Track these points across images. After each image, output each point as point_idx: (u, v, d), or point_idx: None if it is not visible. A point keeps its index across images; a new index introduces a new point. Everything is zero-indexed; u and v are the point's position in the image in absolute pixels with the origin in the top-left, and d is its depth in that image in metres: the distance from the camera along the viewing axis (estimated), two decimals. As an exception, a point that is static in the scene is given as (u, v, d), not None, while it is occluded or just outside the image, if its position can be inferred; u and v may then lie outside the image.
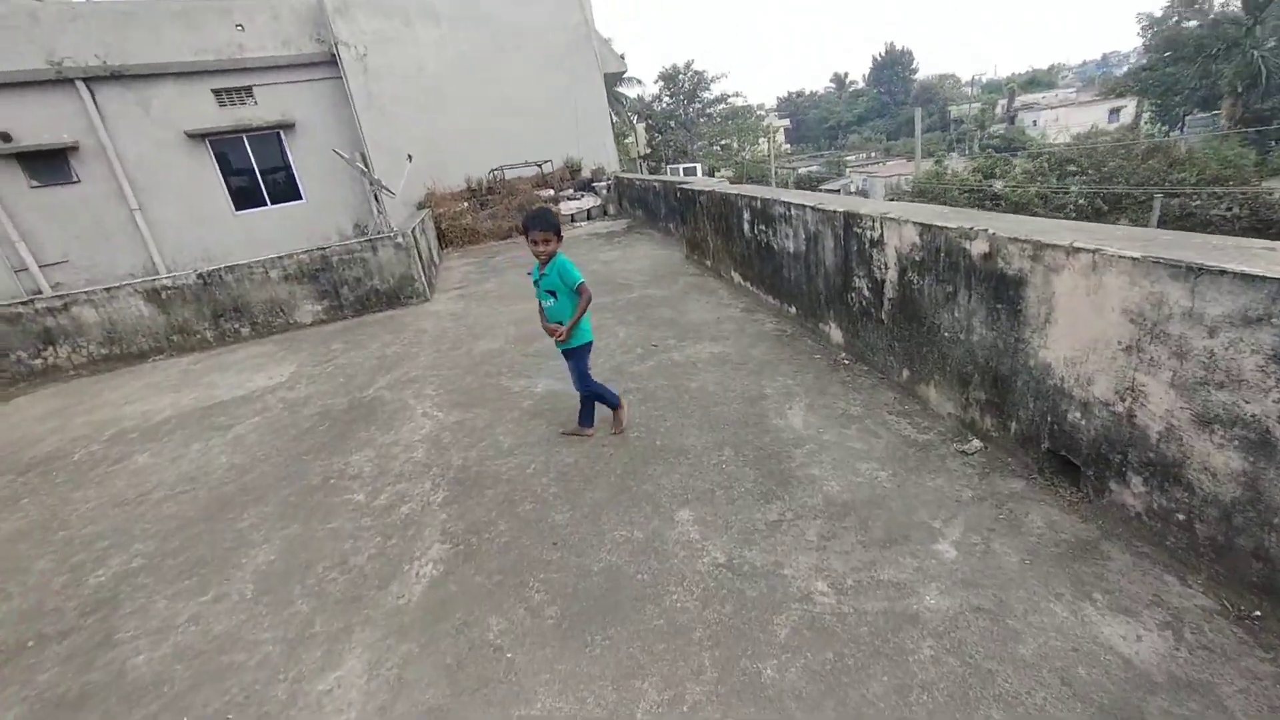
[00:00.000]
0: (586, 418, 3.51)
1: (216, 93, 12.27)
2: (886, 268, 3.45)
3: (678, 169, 17.08)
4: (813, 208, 4.15)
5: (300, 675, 2.08)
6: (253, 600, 2.50)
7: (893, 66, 78.91)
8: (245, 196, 12.87)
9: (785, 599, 2.16)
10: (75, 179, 11.57)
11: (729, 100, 47.28)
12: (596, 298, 6.99)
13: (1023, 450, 2.65)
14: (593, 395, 3.42)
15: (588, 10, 14.48)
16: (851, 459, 2.96)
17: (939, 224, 2.93)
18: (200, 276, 7.01)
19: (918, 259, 3.15)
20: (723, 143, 45.81)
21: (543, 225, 3.00)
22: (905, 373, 3.46)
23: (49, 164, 11.40)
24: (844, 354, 4.08)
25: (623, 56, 17.98)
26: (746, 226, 5.56)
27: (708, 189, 6.72)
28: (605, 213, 14.48)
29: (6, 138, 11.10)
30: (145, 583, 2.74)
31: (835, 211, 3.85)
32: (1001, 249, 2.51)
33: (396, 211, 13.08)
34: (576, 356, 3.27)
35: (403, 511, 2.99)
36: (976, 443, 2.91)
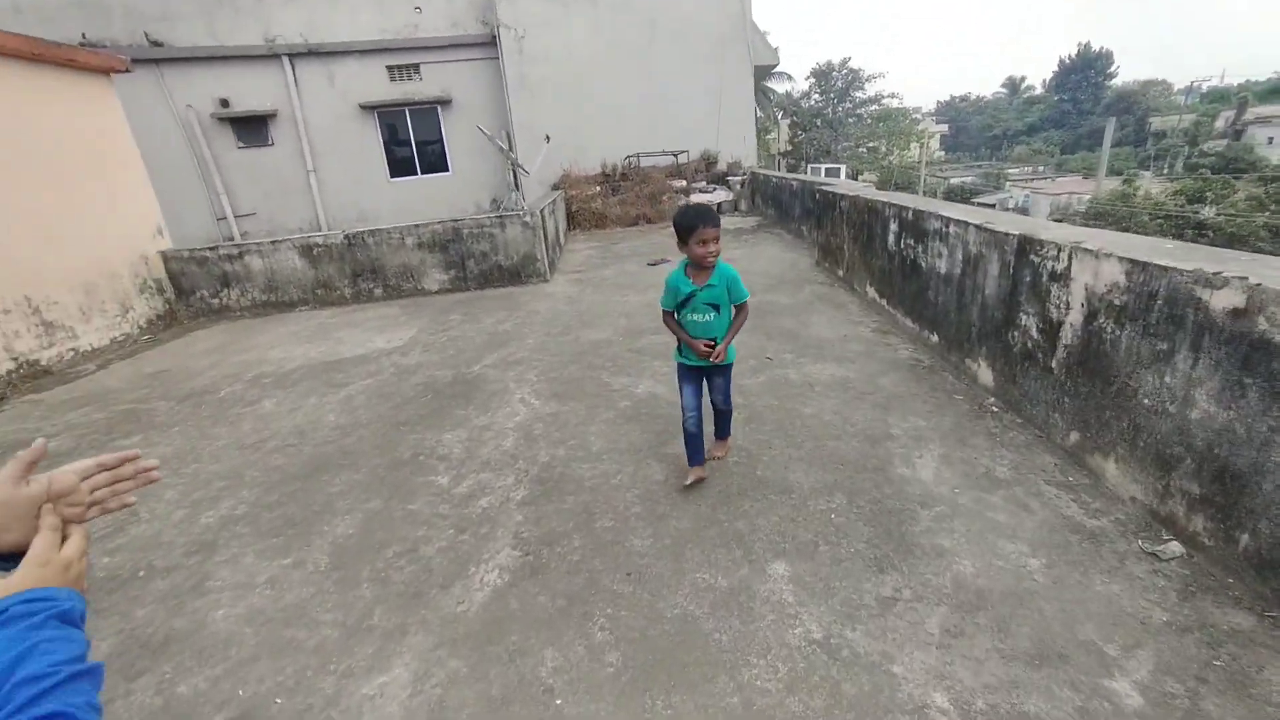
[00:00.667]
0: (699, 453, 2.88)
1: (390, 69, 13.30)
2: (1068, 308, 2.79)
3: (819, 169, 16.13)
4: (978, 226, 3.52)
5: (350, 671, 1.99)
6: (324, 574, 2.48)
7: (1084, 70, 69.83)
8: (400, 165, 13.89)
9: (892, 707, 1.74)
10: (270, 142, 13.09)
11: (883, 101, 44.25)
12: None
13: (1255, 575, 1.98)
14: (731, 413, 3.07)
15: (746, 2, 13.96)
16: (993, 534, 2.41)
17: (1161, 262, 2.27)
18: (346, 238, 7.55)
19: (1118, 303, 2.49)
20: (870, 145, 43.07)
21: (715, 222, 2.49)
22: (1074, 436, 2.80)
23: (253, 128, 12.98)
24: (993, 399, 3.43)
25: (776, 50, 17.20)
26: (891, 239, 4.93)
27: (851, 193, 6.10)
28: (736, 208, 14.00)
29: (225, 103, 12.77)
30: (242, 532, 2.84)
31: (1006, 234, 3.21)
32: (1268, 306, 1.85)
33: (533, 191, 13.51)
34: (728, 373, 2.90)
35: (481, 505, 2.88)
36: (1176, 546, 2.24)
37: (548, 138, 10.06)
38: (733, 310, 2.67)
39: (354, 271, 7.72)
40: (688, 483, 2.81)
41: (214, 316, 7.66)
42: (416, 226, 7.66)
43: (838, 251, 6.54)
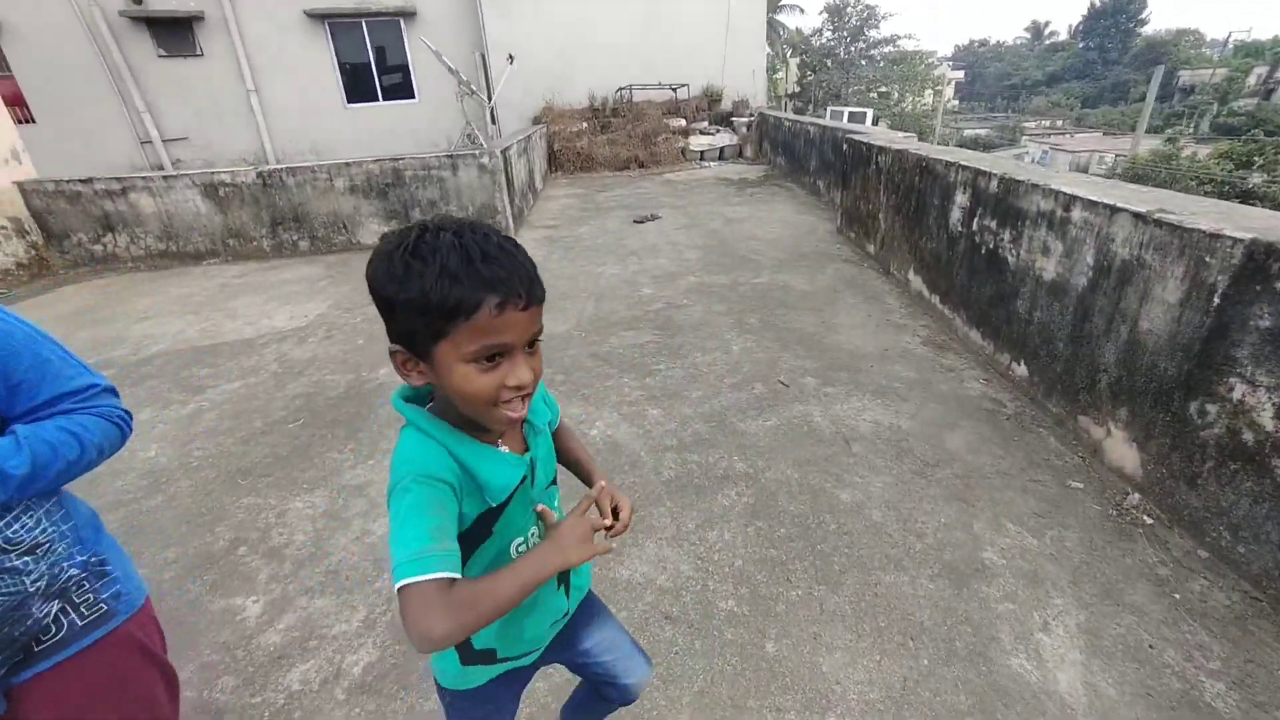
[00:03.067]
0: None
1: (341, -31, 11.24)
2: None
3: (840, 113, 14.32)
4: (1138, 215, 2.20)
5: None
6: None
7: (1114, 15, 65.60)
8: (358, 89, 12.02)
9: None
10: (199, 51, 11.15)
11: (897, 42, 41.01)
12: (710, 274, 5.33)
13: None
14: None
15: (763, -97, 11.85)
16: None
17: None
18: (260, 176, 6.06)
19: None
20: (881, 89, 40.23)
21: (538, 284, 0.77)
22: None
23: (175, 33, 11.01)
24: (1140, 499, 2.20)
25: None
26: (956, 215, 3.59)
27: (893, 146, 4.68)
28: (740, 154, 12.38)
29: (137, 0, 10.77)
30: None
31: (1215, 236, 1.90)
32: None
33: (510, 124, 11.77)
34: (598, 602, 1.15)
35: (292, 681, 1.67)
36: None
37: (510, 57, 8.37)
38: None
39: (273, 219, 6.26)
40: None
41: (98, 267, 6.23)
42: (347, 165, 6.16)
43: (868, 221, 5.17)
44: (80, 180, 6.00)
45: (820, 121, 8.46)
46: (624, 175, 11.28)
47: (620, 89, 12.24)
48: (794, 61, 38.32)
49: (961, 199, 3.53)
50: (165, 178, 6.03)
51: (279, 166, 6.13)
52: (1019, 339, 2.98)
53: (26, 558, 0.85)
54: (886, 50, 41.03)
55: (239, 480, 2.58)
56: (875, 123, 13.63)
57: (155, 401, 3.33)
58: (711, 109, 12.94)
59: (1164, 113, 48.09)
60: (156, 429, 3.04)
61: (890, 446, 2.61)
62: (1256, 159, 16.37)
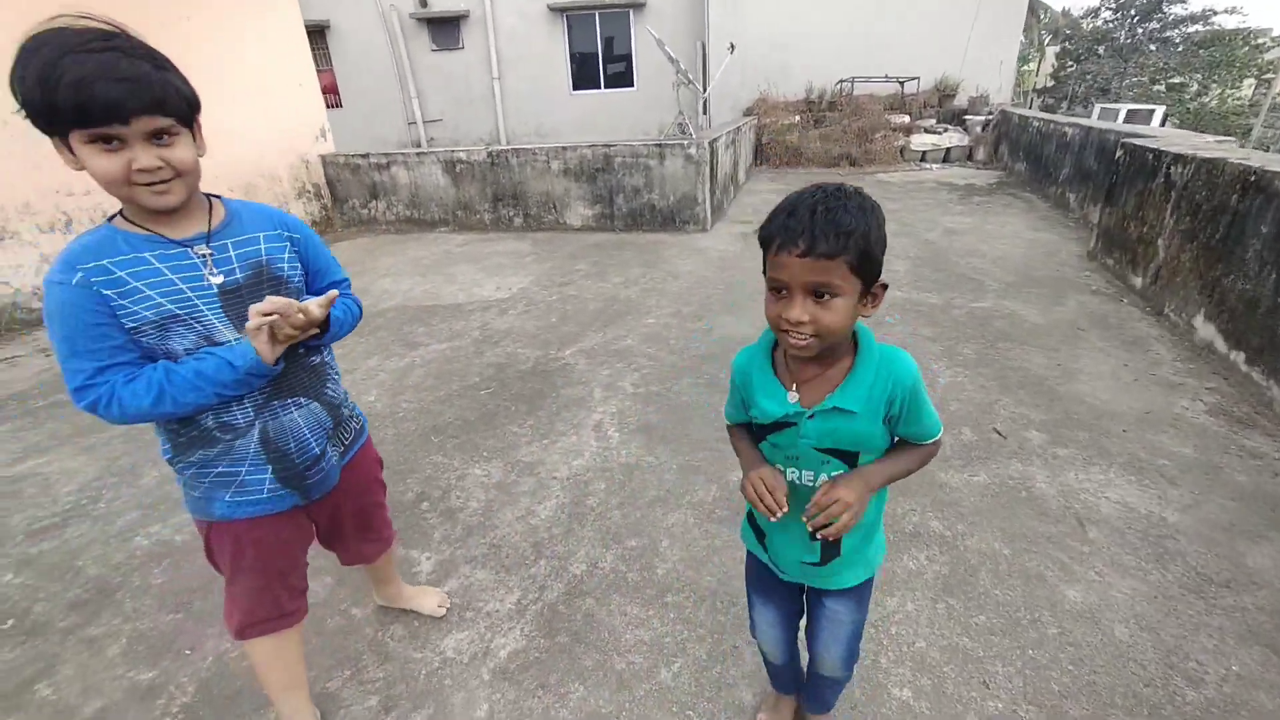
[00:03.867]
0: (788, 680, 1.44)
1: (584, -37, 12.03)
2: None
3: (1113, 110, 11.95)
4: None
5: None
6: None
7: None
8: (584, 76, 12.86)
9: None
10: (461, 45, 12.78)
11: (1212, 20, 32.52)
12: (919, 290, 4.66)
13: None
14: (849, 679, 1.32)
15: None
16: None
17: None
18: (489, 155, 6.72)
19: None
20: (1173, 80, 32.39)
21: (834, 237, 0.83)
22: None
23: (446, 30, 12.74)
24: None
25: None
26: (1296, 251, 2.68)
27: (1201, 153, 3.67)
28: (970, 156, 10.97)
29: (424, 2, 12.61)
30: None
31: None
32: None
33: (721, 116, 11.73)
34: (856, 603, 1.17)
35: (446, 648, 1.76)
36: None
37: (731, 46, 8.20)
38: (901, 454, 1.03)
39: (495, 195, 6.93)
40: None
41: (362, 228, 7.45)
42: (564, 149, 6.57)
43: (1139, 246, 4.16)
44: (360, 155, 7.19)
45: (1083, 122, 7.07)
46: (833, 172, 10.63)
47: (841, 80, 11.49)
48: (1051, 50, 32.68)
49: (1307, 231, 2.63)
50: (418, 154, 6.97)
51: (506, 147, 6.75)
52: (1383, 434, 2.13)
53: (336, 377, 1.34)
54: (1193, 30, 32.99)
55: (432, 438, 2.85)
56: (1163, 122, 11.10)
57: (380, 351, 3.84)
58: (942, 105, 11.61)
59: None
60: (378, 377, 3.49)
61: (1147, 543, 2.03)
62: None
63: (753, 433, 1.08)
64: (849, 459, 0.99)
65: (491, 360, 3.62)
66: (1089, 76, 32.94)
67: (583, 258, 5.76)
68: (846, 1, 11.12)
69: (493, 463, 2.62)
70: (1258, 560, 1.94)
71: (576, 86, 12.86)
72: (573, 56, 12.64)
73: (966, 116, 11.26)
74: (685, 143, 6.33)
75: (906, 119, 11.26)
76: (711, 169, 6.68)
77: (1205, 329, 3.34)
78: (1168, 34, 34.31)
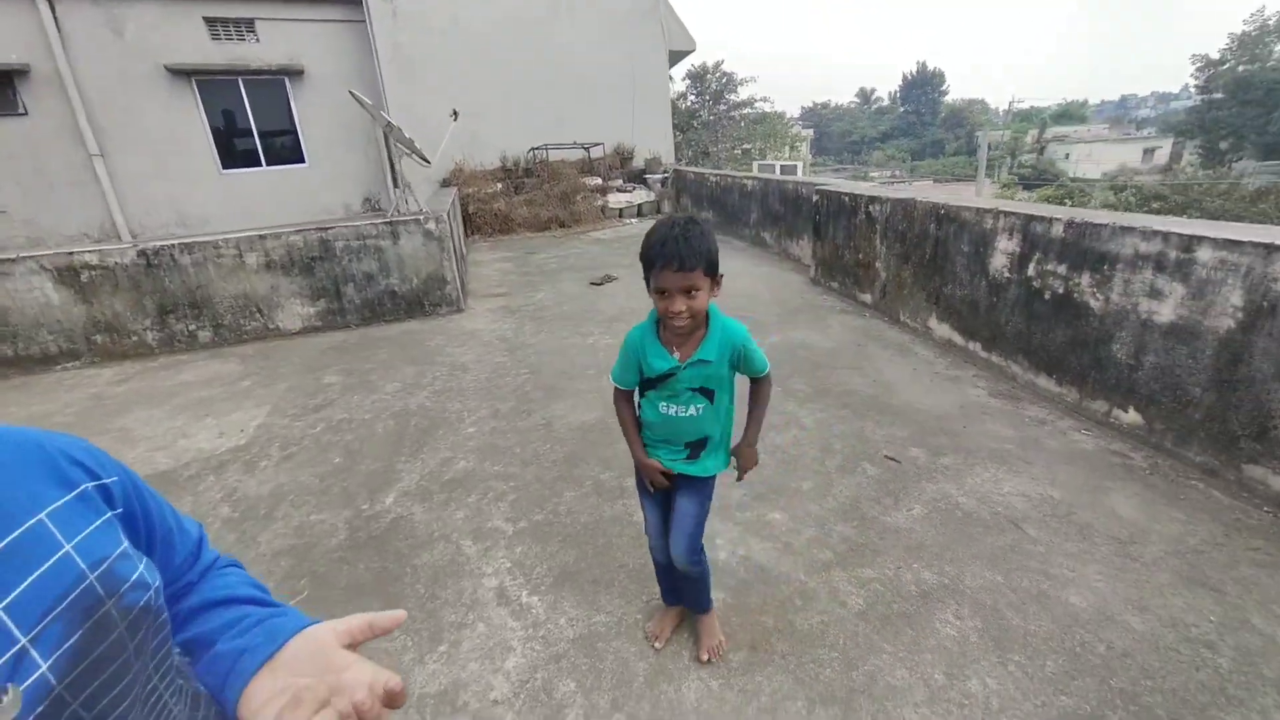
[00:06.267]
0: (682, 597, 1.89)
1: (210, 22, 10.03)
2: None
3: (770, 166, 15.07)
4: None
5: None
6: None
7: (922, 86, 77.31)
8: (235, 153, 10.65)
9: None
10: (22, 110, 9.31)
11: (755, 105, 45.15)
12: None
13: None
14: (705, 575, 1.78)
15: (658, -27, 12.38)
16: None
17: None
18: (142, 254, 4.86)
19: None
20: (745, 147, 43.75)
21: (683, 261, 1.31)
22: None
23: (-11, 89, 9.14)
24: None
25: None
26: (1001, 260, 3.51)
27: (893, 195, 4.65)
28: (659, 210, 12.41)
29: (-68, 49, 8.84)
30: None
31: None
32: None
33: (419, 188, 10.92)
34: (700, 493, 1.63)
35: None
36: None
37: (455, 113, 7.73)
38: (754, 408, 1.61)
39: (161, 307, 5.02)
40: (654, 641, 1.87)
41: (-106, 387, 4.60)
42: (262, 238, 5.14)
43: (861, 269, 5.09)
44: None
45: (762, 176, 8.59)
46: (546, 236, 10.81)
47: (533, 148, 11.90)
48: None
49: (1007, 245, 3.45)
50: (4, 259, 4.64)
51: (169, 242, 4.96)
52: (1121, 385, 2.84)
53: None
54: (746, 112, 44.88)
55: None
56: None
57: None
58: (624, 167, 12.97)
59: (974, 164, 56.47)
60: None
61: (1062, 523, 2.28)
62: (1070, 202, 19.48)
63: (641, 384, 1.56)
64: (709, 395, 1.50)
65: (276, 546, 2.42)
66: (692, 143, 41.76)
67: (326, 367, 4.51)
68: (523, 75, 11.61)
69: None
70: (1124, 510, 2.33)
71: (228, 164, 10.54)
72: (216, 130, 10.34)
73: (646, 175, 12.78)
74: (421, 217, 5.58)
75: (599, 180, 12.24)
76: (453, 243, 6.04)
77: (940, 328, 4.16)
78: (733, 114, 45.91)
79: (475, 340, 4.92)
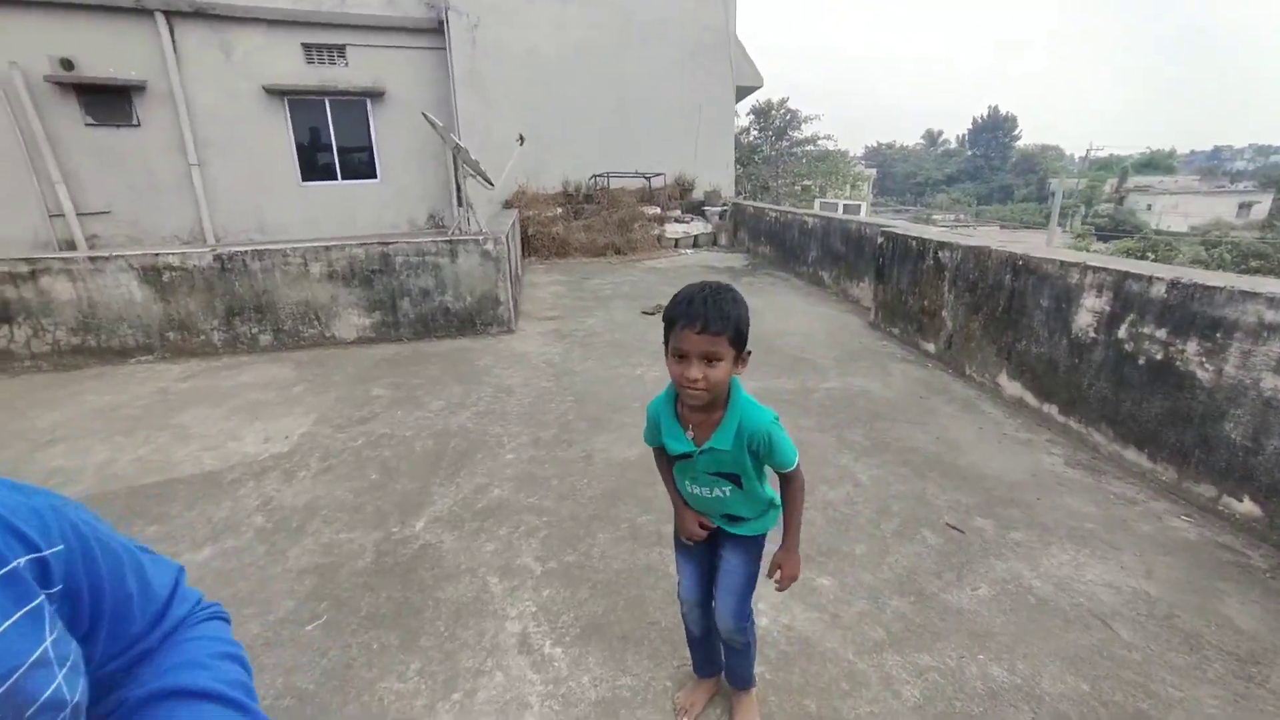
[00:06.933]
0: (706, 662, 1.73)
1: (307, 47, 10.73)
2: None
3: (832, 204, 14.94)
4: None
5: None
6: None
7: (993, 130, 75.44)
8: (315, 167, 11.26)
9: None
10: (135, 122, 10.14)
11: (819, 142, 45.04)
12: (768, 377, 4.62)
13: None
14: (750, 646, 1.59)
15: (731, 10, 12.53)
16: None
17: None
18: (218, 259, 5.10)
19: None
20: (805, 183, 43.56)
21: (709, 324, 1.17)
22: None
23: (110, 102, 10.00)
24: None
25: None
26: (1087, 319, 3.22)
27: (965, 242, 4.41)
28: (715, 242, 12.36)
29: (69, 65, 9.74)
30: None
31: None
32: None
33: (481, 208, 11.25)
34: (748, 554, 1.49)
35: None
36: None
37: (521, 138, 7.98)
38: (787, 508, 1.41)
39: (229, 309, 5.24)
40: (682, 715, 1.68)
41: (-12, 367, 4.94)
42: (327, 249, 5.32)
43: (926, 317, 4.82)
44: (-22, 261, 4.82)
45: (823, 214, 8.41)
46: (602, 262, 10.88)
47: (595, 175, 12.09)
48: (728, 157, 40.81)
49: (1094, 302, 3.17)
50: (92, 259, 4.95)
51: (242, 249, 5.20)
52: (1234, 469, 2.51)
53: None
54: (809, 149, 44.71)
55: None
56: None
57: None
58: (684, 197, 13.00)
59: (1044, 212, 54.28)
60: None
61: (1162, 627, 1.98)
62: (1154, 255, 18.27)
63: (665, 457, 1.45)
64: (733, 479, 1.36)
65: (303, 564, 2.38)
66: (752, 177, 41.97)
67: (375, 379, 4.57)
68: (590, 103, 11.88)
69: (384, 780, 1.53)
70: (1244, 622, 2.00)
71: (308, 177, 11.15)
72: (300, 145, 10.99)
73: (705, 207, 12.77)
74: (480, 238, 5.67)
75: (658, 210, 12.29)
76: (510, 265, 6.10)
77: (1011, 386, 3.86)
78: (795, 150, 46.00)
79: (523, 363, 4.89)
